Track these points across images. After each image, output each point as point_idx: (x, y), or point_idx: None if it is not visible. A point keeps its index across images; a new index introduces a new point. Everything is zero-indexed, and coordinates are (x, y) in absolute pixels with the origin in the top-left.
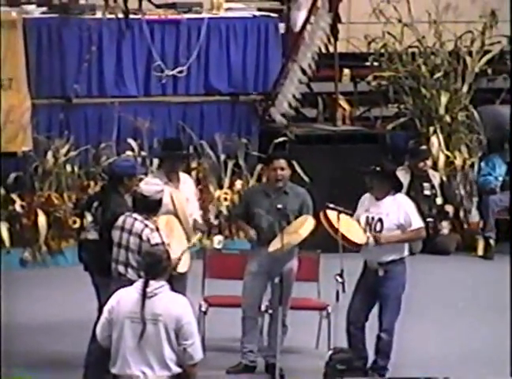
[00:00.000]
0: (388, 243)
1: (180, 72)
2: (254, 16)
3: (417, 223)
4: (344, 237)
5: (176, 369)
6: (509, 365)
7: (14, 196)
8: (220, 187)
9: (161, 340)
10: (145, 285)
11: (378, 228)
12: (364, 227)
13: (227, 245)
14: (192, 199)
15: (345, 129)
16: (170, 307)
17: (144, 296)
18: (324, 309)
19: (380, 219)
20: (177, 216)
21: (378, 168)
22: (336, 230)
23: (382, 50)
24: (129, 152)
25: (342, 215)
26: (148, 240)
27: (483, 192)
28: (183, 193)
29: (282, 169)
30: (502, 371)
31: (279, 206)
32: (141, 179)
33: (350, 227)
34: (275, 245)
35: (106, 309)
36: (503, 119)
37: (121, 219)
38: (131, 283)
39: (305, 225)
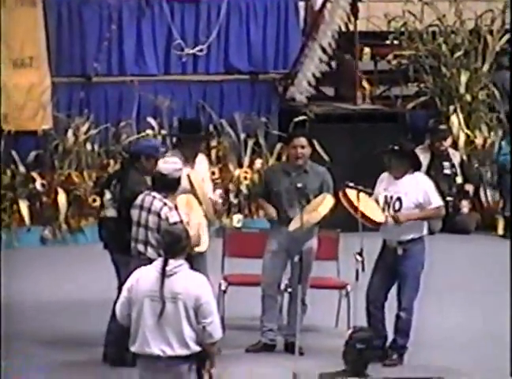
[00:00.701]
0: (407, 221)
1: (200, 50)
2: None
3: (436, 201)
4: (363, 215)
5: (195, 348)
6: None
7: (34, 174)
8: (240, 166)
9: (180, 319)
10: (165, 264)
11: (396, 207)
12: (383, 206)
13: (246, 223)
14: (207, 179)
15: (365, 107)
16: (189, 286)
17: (163, 275)
18: (343, 287)
19: (399, 198)
20: (195, 196)
21: (396, 147)
22: (355, 209)
23: (403, 29)
24: (149, 131)
25: (361, 194)
26: (167, 218)
27: (504, 171)
28: (199, 174)
29: (302, 147)
30: None
31: (299, 185)
32: (157, 160)
33: (369, 206)
34: (295, 224)
35: (125, 287)
36: None
37: (140, 197)
38: (151, 261)
39: (324, 203)
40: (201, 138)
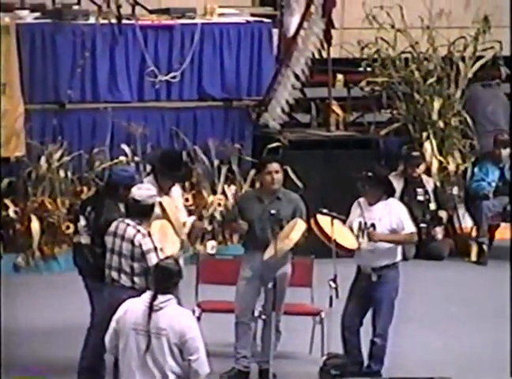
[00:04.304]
0: (381, 241)
1: (173, 77)
2: (248, 22)
3: (409, 227)
4: (336, 243)
5: None
6: (508, 367)
7: (7, 201)
8: (214, 192)
9: (165, 354)
10: (153, 298)
11: None
12: (357, 232)
13: (220, 250)
14: (180, 207)
15: (338, 134)
16: (174, 322)
17: (150, 309)
18: (317, 314)
19: (373, 224)
20: (169, 222)
21: (370, 174)
22: (327, 237)
23: (375, 56)
24: (122, 158)
25: (335, 221)
26: (140, 245)
27: (477, 197)
28: (173, 202)
29: (277, 172)
30: (496, 374)
31: (272, 211)
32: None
33: (342, 233)
34: (269, 253)
35: (114, 318)
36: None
37: (114, 224)
38: (124, 288)
39: (295, 229)
40: (181, 177)
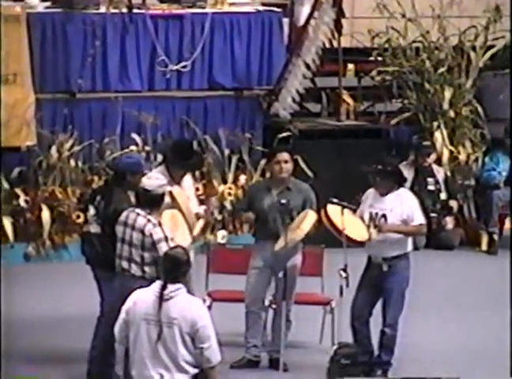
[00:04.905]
0: (389, 232)
1: (184, 67)
2: (258, 11)
3: (419, 219)
4: (346, 236)
5: (193, 371)
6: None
7: (18, 190)
8: (224, 182)
9: (176, 343)
10: (163, 288)
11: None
12: (368, 222)
13: (230, 240)
14: (192, 197)
15: (349, 123)
16: (185, 311)
17: (161, 299)
18: (328, 303)
19: (384, 215)
20: (180, 211)
21: (380, 166)
22: (337, 229)
23: (386, 45)
24: (133, 147)
25: (345, 211)
26: (151, 235)
27: (487, 187)
28: (184, 192)
29: (286, 162)
30: (506, 366)
31: (282, 201)
32: (143, 174)
33: (352, 224)
34: (280, 244)
35: (123, 309)
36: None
37: (124, 214)
38: (134, 278)
39: (306, 219)
40: (192, 166)
